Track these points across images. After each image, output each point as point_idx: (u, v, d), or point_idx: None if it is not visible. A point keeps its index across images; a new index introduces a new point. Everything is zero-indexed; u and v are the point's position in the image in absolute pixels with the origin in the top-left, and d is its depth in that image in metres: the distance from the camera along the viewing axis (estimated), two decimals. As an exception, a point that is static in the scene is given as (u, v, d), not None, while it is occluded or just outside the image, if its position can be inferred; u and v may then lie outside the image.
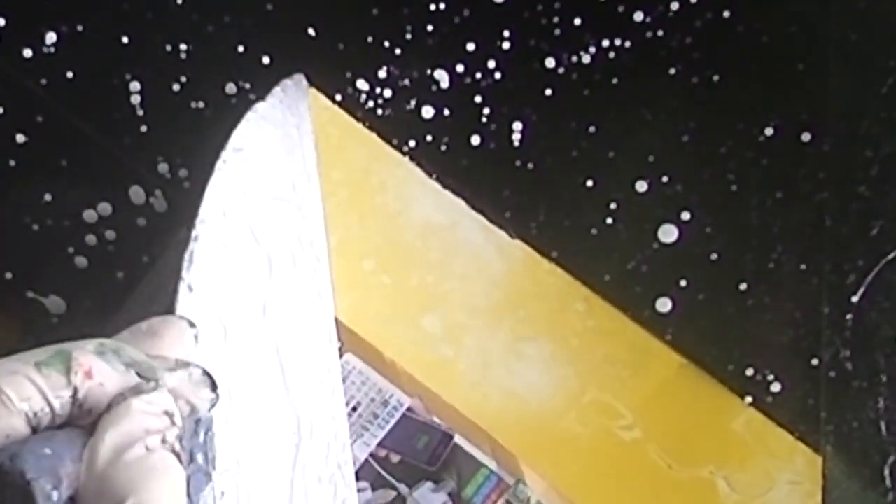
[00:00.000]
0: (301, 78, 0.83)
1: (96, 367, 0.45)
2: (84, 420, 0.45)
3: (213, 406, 0.48)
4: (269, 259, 0.73)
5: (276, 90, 0.79)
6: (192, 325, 0.52)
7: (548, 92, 0.84)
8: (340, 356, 0.86)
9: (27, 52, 0.85)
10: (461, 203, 0.85)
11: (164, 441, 0.44)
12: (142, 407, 0.45)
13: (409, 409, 0.86)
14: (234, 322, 0.67)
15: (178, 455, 0.45)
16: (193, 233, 0.65)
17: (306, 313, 0.79)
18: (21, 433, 0.43)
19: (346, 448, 0.78)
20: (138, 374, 0.46)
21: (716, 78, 0.83)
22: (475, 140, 0.84)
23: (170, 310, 0.61)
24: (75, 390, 0.44)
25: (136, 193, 0.86)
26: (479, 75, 0.84)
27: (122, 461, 0.43)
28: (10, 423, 0.42)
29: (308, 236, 0.80)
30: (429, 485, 0.86)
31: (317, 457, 0.73)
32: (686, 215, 0.83)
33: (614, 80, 0.83)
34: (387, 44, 0.84)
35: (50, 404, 0.43)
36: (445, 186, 0.85)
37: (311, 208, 0.82)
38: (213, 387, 0.48)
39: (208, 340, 0.60)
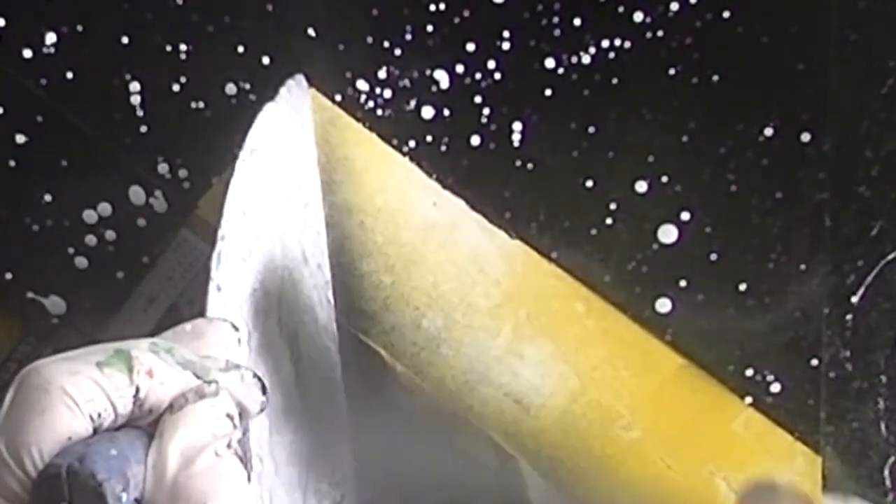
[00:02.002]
0: (301, 78, 0.83)
1: (156, 367, 0.45)
2: (144, 420, 0.45)
3: (262, 409, 0.48)
4: (283, 256, 0.74)
5: (283, 90, 0.80)
6: (235, 328, 0.52)
7: (548, 92, 0.84)
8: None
9: (27, 53, 0.85)
10: (461, 203, 0.85)
11: (229, 446, 0.44)
12: (207, 411, 0.45)
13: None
14: (254, 323, 0.67)
15: (241, 458, 0.45)
16: (220, 232, 0.65)
17: (316, 312, 0.79)
18: (83, 435, 0.42)
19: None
20: (195, 375, 0.46)
21: (716, 78, 0.83)
22: (475, 140, 0.84)
23: (201, 310, 0.62)
24: (137, 389, 0.44)
25: (136, 193, 0.86)
26: (479, 76, 0.84)
27: (194, 468, 0.43)
28: (73, 425, 0.42)
29: (313, 235, 0.81)
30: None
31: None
32: (686, 215, 0.83)
33: (614, 81, 0.83)
34: (387, 44, 0.84)
35: (113, 404, 0.43)
36: (445, 186, 0.85)
37: (315, 207, 0.83)
38: (264, 389, 0.48)
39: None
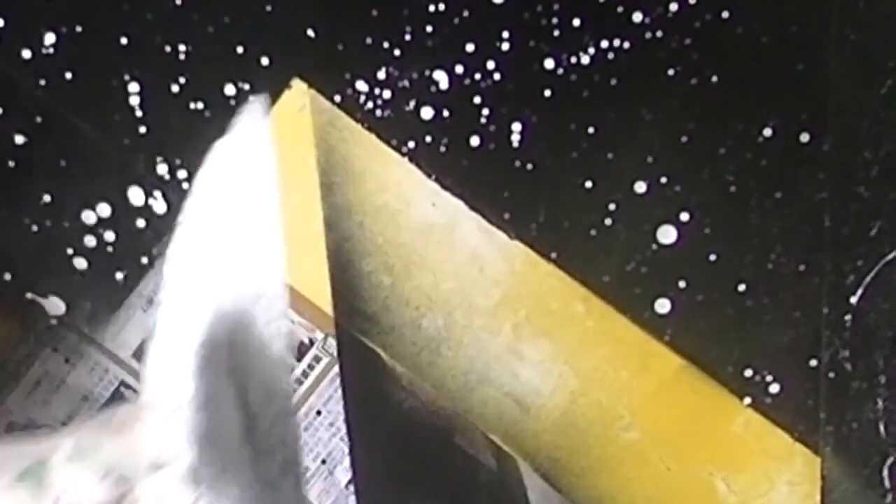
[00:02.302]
0: (262, 98, 0.82)
1: (70, 485, 0.44)
2: None
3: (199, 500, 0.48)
4: (234, 302, 0.73)
5: (239, 119, 0.79)
6: (174, 411, 0.51)
7: (547, 93, 0.84)
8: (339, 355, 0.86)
9: (27, 53, 0.85)
10: (461, 203, 0.85)
11: None
12: None
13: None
14: (199, 380, 0.66)
15: None
16: (159, 297, 0.65)
17: (268, 349, 0.78)
18: None
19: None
20: (116, 480, 0.45)
21: (715, 78, 0.83)
22: (474, 141, 0.84)
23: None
24: None
25: (136, 194, 0.86)
26: (478, 76, 0.84)
27: None
28: None
29: (269, 264, 0.80)
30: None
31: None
32: (685, 216, 0.83)
33: (614, 81, 0.83)
34: (386, 45, 0.84)
35: None
36: (445, 187, 0.85)
37: (273, 233, 0.81)
38: (196, 484, 0.47)
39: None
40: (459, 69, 0.84)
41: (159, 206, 0.86)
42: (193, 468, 0.47)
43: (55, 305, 0.87)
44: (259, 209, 0.79)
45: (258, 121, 0.81)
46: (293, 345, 0.85)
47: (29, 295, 0.86)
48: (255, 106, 0.82)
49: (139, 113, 0.85)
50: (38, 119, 0.86)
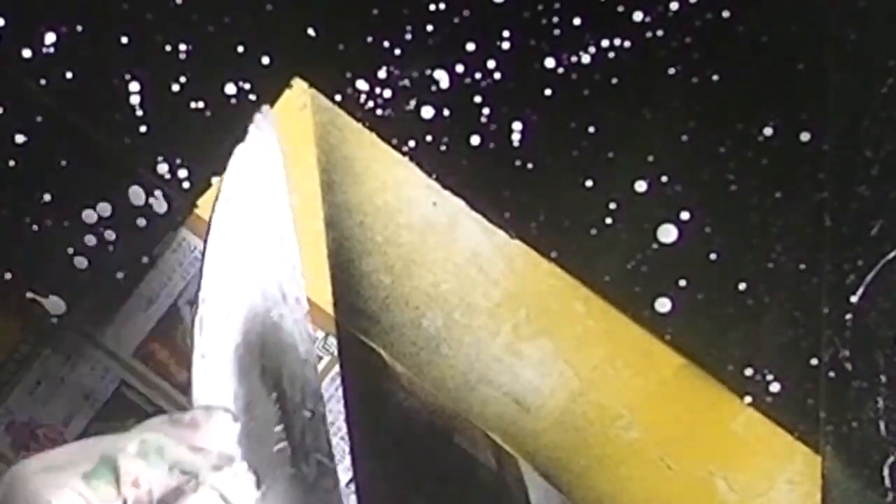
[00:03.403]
0: (267, 109, 0.83)
1: (143, 475, 0.44)
2: None
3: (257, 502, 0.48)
4: (263, 300, 0.74)
5: (252, 128, 0.79)
6: (235, 419, 0.51)
7: (548, 92, 0.84)
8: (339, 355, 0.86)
9: (27, 53, 0.85)
10: (461, 203, 0.85)
11: None
12: None
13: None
14: (239, 383, 0.67)
15: None
16: (200, 295, 0.65)
17: (298, 349, 0.79)
18: None
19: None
20: (182, 473, 0.46)
21: (716, 78, 0.83)
22: (475, 140, 0.84)
23: (188, 379, 0.61)
24: (125, 501, 0.44)
25: (136, 194, 0.86)
26: (478, 75, 0.84)
27: None
28: None
29: (289, 270, 0.81)
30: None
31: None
32: (685, 215, 0.83)
33: (614, 80, 0.83)
34: (387, 44, 0.84)
35: None
36: (445, 186, 0.85)
37: (289, 241, 0.82)
38: (258, 484, 0.48)
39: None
40: (460, 68, 0.84)
41: (160, 205, 0.86)
42: (251, 468, 0.48)
43: (56, 305, 0.87)
44: (273, 213, 0.79)
45: (267, 131, 0.82)
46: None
47: (29, 294, 0.86)
48: (263, 118, 0.82)
49: (139, 112, 0.85)
50: (38, 119, 0.86)
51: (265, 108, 0.83)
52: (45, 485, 0.42)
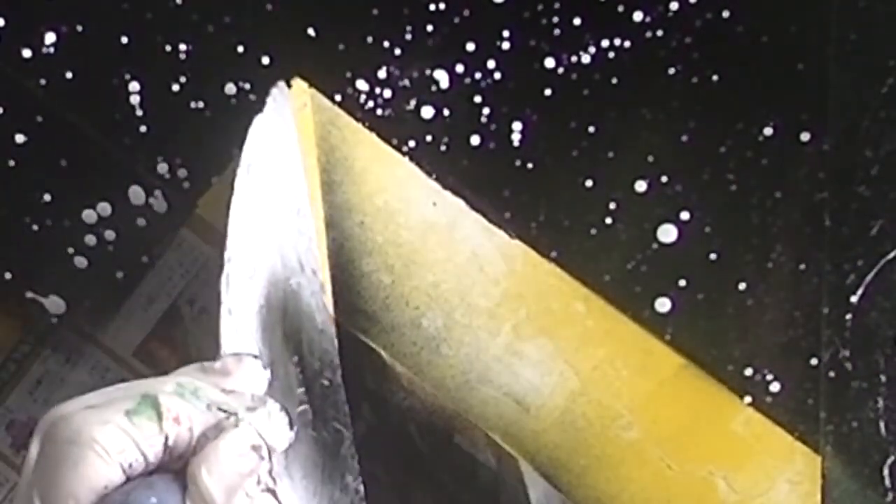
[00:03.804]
0: (283, 86, 0.83)
1: (183, 412, 0.44)
2: (174, 465, 0.45)
3: (290, 445, 0.48)
4: (283, 267, 0.74)
5: (269, 100, 0.80)
6: (265, 365, 0.51)
7: (548, 92, 0.84)
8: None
9: (27, 52, 0.85)
10: (461, 203, 0.85)
11: (259, 482, 0.44)
12: (230, 447, 0.44)
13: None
14: (262, 342, 0.67)
15: (273, 492, 0.44)
16: (226, 254, 0.65)
17: (315, 318, 0.80)
18: (116, 484, 0.42)
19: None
20: (220, 410, 0.46)
21: (716, 78, 0.83)
22: (475, 140, 0.84)
23: (215, 335, 0.61)
24: (167, 437, 0.44)
25: (136, 193, 0.86)
26: (478, 75, 0.84)
27: None
28: (107, 475, 0.42)
29: (306, 242, 0.81)
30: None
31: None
32: (685, 215, 0.83)
33: (614, 80, 0.83)
34: (387, 44, 0.84)
35: (144, 454, 0.43)
36: (445, 186, 0.85)
37: (306, 213, 0.83)
38: (291, 424, 0.48)
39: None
40: (460, 68, 0.84)
41: (160, 205, 0.86)
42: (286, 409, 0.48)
43: (56, 304, 0.87)
44: (289, 185, 0.80)
45: (283, 105, 0.82)
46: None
47: (29, 294, 0.86)
48: (279, 92, 0.82)
49: (139, 112, 0.85)
50: (39, 119, 0.86)
51: (280, 83, 0.83)
52: (88, 422, 0.42)
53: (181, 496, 0.43)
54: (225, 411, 0.46)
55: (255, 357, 0.51)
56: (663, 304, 0.84)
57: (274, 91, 0.81)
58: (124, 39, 0.85)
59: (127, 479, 0.43)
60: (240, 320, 0.64)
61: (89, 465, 0.42)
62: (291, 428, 0.48)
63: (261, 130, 0.76)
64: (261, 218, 0.73)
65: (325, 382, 0.78)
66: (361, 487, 0.79)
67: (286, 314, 0.74)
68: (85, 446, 0.42)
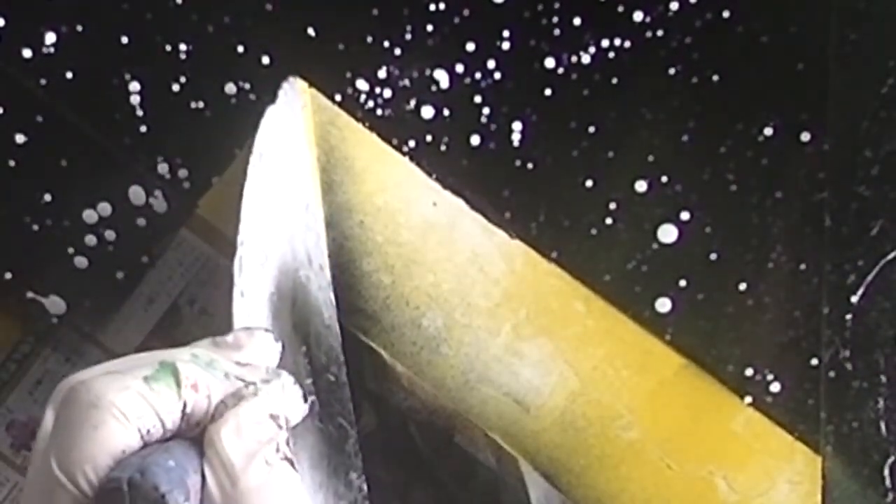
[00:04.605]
0: (295, 80, 0.83)
1: (202, 380, 0.44)
2: (192, 432, 0.45)
3: (304, 418, 0.48)
4: (293, 259, 0.75)
5: (281, 93, 0.80)
6: (276, 339, 0.51)
7: (548, 92, 0.84)
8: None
9: (27, 52, 0.85)
10: (461, 203, 0.85)
11: (277, 450, 0.44)
12: (248, 415, 0.44)
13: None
14: (272, 328, 0.68)
15: (290, 461, 0.44)
16: (239, 238, 0.66)
17: (322, 313, 0.80)
18: (134, 449, 0.42)
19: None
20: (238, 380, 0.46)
21: (716, 78, 0.83)
22: (475, 140, 0.84)
23: (228, 316, 0.62)
24: (185, 405, 0.44)
25: (136, 193, 0.86)
26: (478, 75, 0.84)
27: (248, 481, 0.42)
28: (125, 440, 0.42)
29: (314, 237, 0.81)
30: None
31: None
32: (685, 215, 0.83)
33: (614, 80, 0.83)
34: (387, 44, 0.84)
35: (161, 420, 0.43)
36: (445, 186, 0.85)
37: (314, 209, 0.83)
38: (305, 397, 0.48)
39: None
40: (460, 68, 0.84)
41: (160, 205, 0.86)
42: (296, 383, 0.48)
43: (56, 304, 0.86)
44: (298, 179, 0.80)
45: (294, 99, 0.82)
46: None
47: (29, 294, 0.86)
48: (290, 86, 0.82)
49: (139, 112, 0.85)
50: (39, 119, 0.86)
51: (292, 78, 0.83)
52: (108, 387, 0.42)
53: (198, 462, 0.43)
54: (242, 380, 0.46)
55: (267, 330, 0.51)
56: (663, 304, 0.84)
57: (285, 85, 0.82)
58: (124, 39, 0.85)
59: (144, 444, 0.43)
60: (252, 303, 0.65)
61: (108, 429, 0.42)
62: (305, 401, 0.48)
63: (273, 121, 0.76)
64: (272, 206, 0.73)
65: (331, 378, 0.78)
66: (365, 486, 0.79)
67: (295, 304, 0.74)
68: (104, 410, 0.42)
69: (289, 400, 0.47)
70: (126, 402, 0.42)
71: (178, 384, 0.44)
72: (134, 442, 0.42)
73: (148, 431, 0.43)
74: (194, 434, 0.45)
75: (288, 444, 0.45)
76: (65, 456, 0.41)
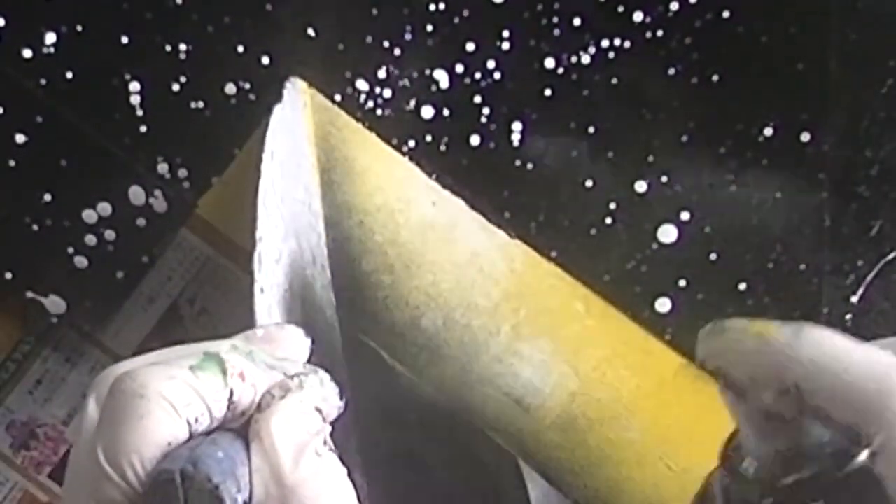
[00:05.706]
0: (297, 80, 0.83)
1: (248, 370, 0.44)
2: (237, 422, 0.44)
3: (340, 415, 0.48)
4: (301, 258, 0.75)
5: (285, 92, 0.80)
6: (307, 334, 0.51)
7: (548, 92, 0.84)
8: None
9: (27, 52, 0.85)
10: (460, 202, 0.85)
11: (325, 442, 0.44)
12: (296, 406, 0.44)
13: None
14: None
15: (338, 454, 0.44)
16: (257, 234, 0.66)
17: (326, 312, 0.80)
18: (181, 440, 0.42)
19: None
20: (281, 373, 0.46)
21: (716, 78, 0.83)
22: (475, 140, 0.84)
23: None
24: (231, 393, 0.43)
25: (136, 193, 0.86)
26: (478, 75, 0.84)
27: (299, 472, 0.42)
28: (172, 430, 0.41)
29: (315, 237, 0.81)
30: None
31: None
32: (685, 215, 0.83)
33: (614, 80, 0.83)
34: (386, 44, 0.84)
35: (209, 409, 0.43)
36: (445, 186, 0.85)
37: (315, 209, 0.83)
38: (341, 395, 0.47)
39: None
40: (460, 68, 0.84)
41: (160, 205, 0.86)
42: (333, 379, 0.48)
43: (56, 304, 0.86)
44: (301, 179, 0.80)
45: (296, 94, 0.82)
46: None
47: (29, 294, 0.86)
48: (293, 87, 0.82)
49: (139, 112, 0.85)
50: (39, 119, 0.86)
51: (293, 78, 0.83)
52: (154, 376, 0.42)
53: (245, 453, 0.43)
54: (284, 373, 0.45)
55: (297, 326, 0.50)
56: (663, 304, 0.84)
57: (288, 85, 0.82)
58: (124, 39, 0.85)
59: (190, 435, 0.42)
60: (270, 300, 0.65)
61: (155, 420, 0.41)
62: (341, 398, 0.47)
63: (280, 119, 0.77)
64: (282, 204, 0.73)
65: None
66: (365, 486, 0.79)
67: (304, 303, 0.74)
68: (151, 400, 0.41)
69: (327, 395, 0.47)
70: (173, 392, 0.42)
71: (225, 372, 0.43)
72: (181, 432, 0.42)
73: (196, 420, 0.42)
74: (237, 425, 0.44)
75: (332, 437, 0.45)
76: (111, 446, 0.41)
